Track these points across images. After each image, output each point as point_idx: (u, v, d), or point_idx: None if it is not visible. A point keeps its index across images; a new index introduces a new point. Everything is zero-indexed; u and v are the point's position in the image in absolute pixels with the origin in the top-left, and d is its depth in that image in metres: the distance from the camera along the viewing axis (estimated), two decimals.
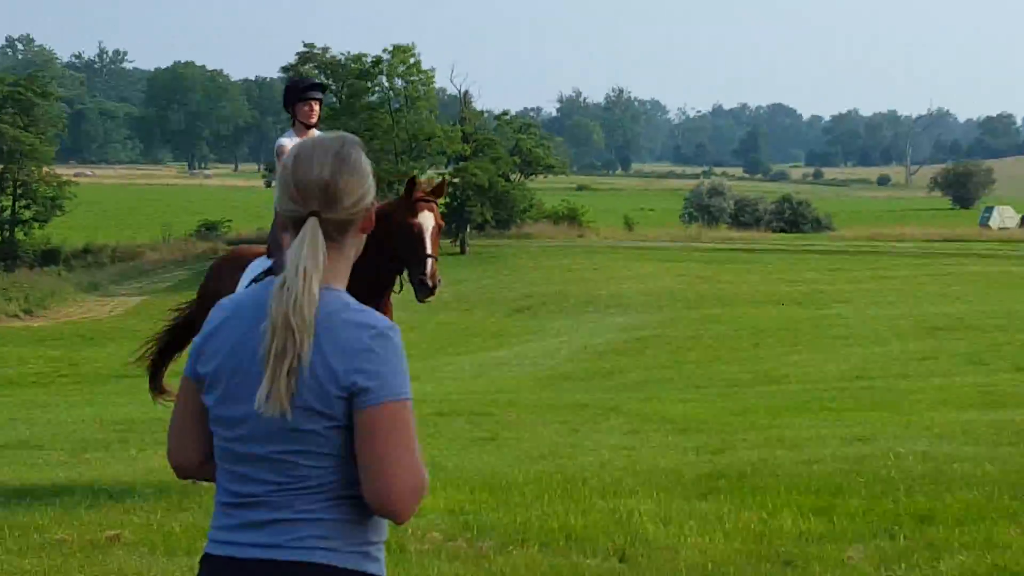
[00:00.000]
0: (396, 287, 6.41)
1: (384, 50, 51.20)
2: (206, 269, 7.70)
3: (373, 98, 51.87)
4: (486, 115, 62.22)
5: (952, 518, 5.57)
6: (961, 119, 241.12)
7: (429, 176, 47.52)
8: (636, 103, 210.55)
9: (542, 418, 11.37)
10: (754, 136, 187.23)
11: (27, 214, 51.69)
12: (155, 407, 8.02)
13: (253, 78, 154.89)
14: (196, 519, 5.75)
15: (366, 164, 2.19)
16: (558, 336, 28.05)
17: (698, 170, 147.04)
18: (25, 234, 51.17)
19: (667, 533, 5.43)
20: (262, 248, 6.97)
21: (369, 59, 50.96)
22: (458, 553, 5.18)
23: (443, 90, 69.33)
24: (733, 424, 10.62)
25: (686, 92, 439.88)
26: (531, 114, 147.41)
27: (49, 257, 48.85)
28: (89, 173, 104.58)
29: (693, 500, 6.20)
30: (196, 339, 2.19)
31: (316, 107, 6.93)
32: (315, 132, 6.99)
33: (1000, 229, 58.67)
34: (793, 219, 61.14)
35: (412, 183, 6.35)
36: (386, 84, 51.70)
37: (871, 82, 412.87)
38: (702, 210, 62.22)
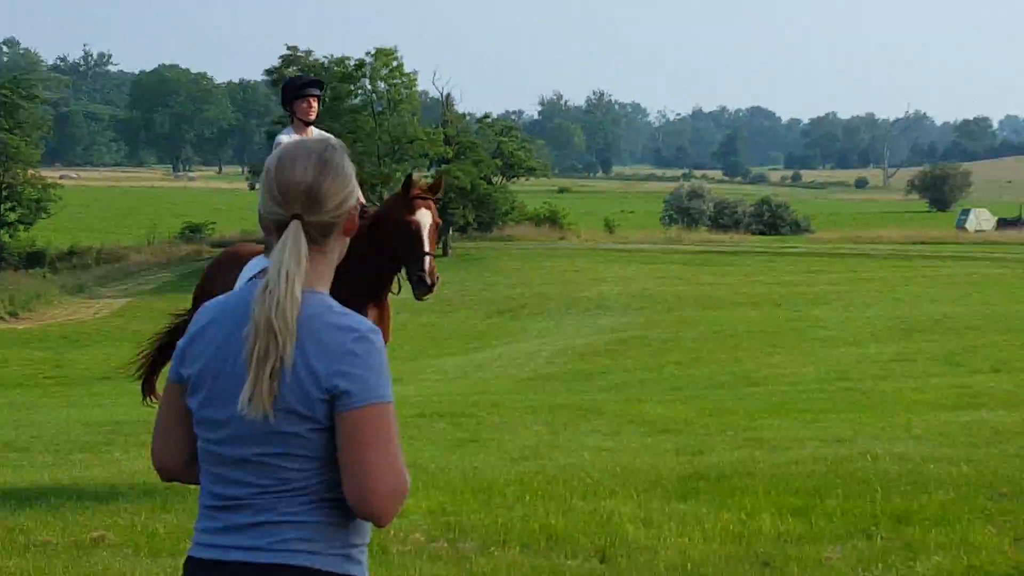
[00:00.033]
0: (395, 287, 6.41)
1: (367, 53, 51.28)
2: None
3: (356, 101, 51.84)
4: (468, 118, 62.28)
5: (929, 519, 5.61)
6: (938, 122, 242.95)
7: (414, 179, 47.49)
8: (617, 106, 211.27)
9: (523, 420, 11.39)
10: (733, 139, 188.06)
11: (12, 216, 51.51)
12: (140, 409, 8.00)
13: (237, 81, 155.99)
14: (180, 521, 5.75)
15: (349, 167, 2.19)
16: (539, 338, 28.10)
17: (678, 173, 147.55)
18: (10, 236, 50.97)
19: (647, 534, 5.46)
20: (260, 247, 6.92)
21: (352, 62, 50.92)
22: (440, 554, 5.19)
23: (425, 93, 69.64)
24: (712, 425, 10.68)
25: (666, 95, 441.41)
26: (513, 117, 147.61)
27: (34, 259, 48.73)
28: (74, 176, 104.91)
29: (673, 501, 6.23)
30: (180, 342, 2.20)
31: (314, 104, 6.92)
32: (313, 129, 6.99)
33: (976, 231, 59.13)
34: (772, 221, 61.45)
35: (409, 181, 6.35)
36: (369, 87, 51.69)
37: (849, 85, 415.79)
38: (682, 212, 62.44)
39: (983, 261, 41.02)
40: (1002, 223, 61.63)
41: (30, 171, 52.52)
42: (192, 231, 53.86)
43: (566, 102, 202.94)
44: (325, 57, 52.80)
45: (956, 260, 41.70)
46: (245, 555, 2.04)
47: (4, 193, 51.04)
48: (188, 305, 7.38)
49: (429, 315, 29.31)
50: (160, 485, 6.38)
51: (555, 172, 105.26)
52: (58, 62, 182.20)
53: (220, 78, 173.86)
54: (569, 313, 32.99)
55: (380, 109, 51.55)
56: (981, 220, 62.37)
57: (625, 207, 79.92)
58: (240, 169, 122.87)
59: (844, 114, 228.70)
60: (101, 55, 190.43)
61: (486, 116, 60.39)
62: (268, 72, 53.76)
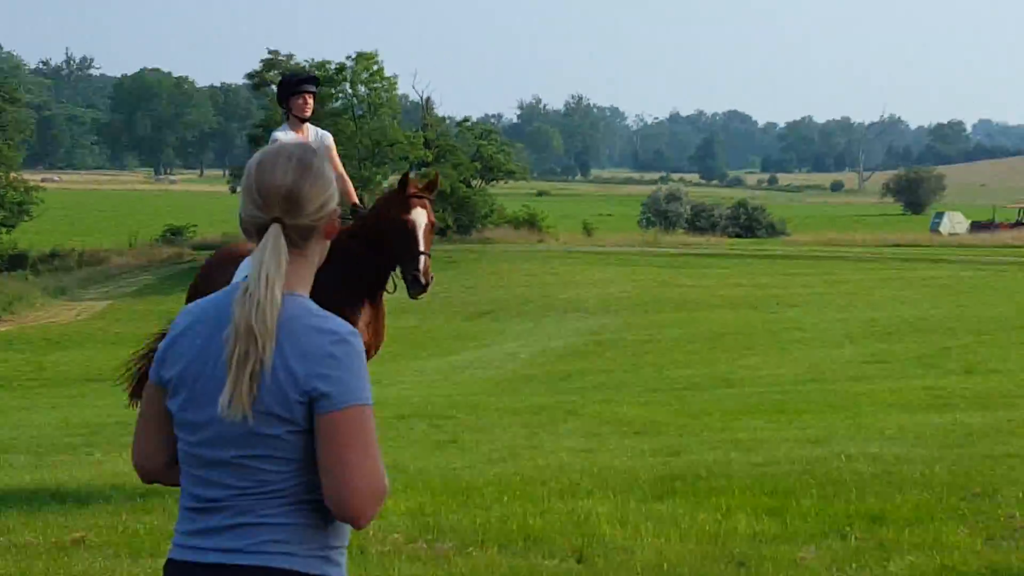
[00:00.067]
0: (390, 286, 6.41)
1: (348, 57, 51.34)
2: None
3: (337, 104, 51.82)
4: (448, 121, 62.49)
5: (902, 519, 5.65)
6: (913, 126, 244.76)
7: (391, 182, 47.55)
8: (595, 110, 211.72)
9: (502, 421, 11.42)
10: (710, 143, 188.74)
11: None
12: (121, 410, 7.98)
13: (218, 85, 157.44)
14: (160, 522, 5.75)
15: (329, 171, 2.21)
16: (518, 340, 28.11)
17: (656, 176, 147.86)
18: None
19: (624, 534, 5.49)
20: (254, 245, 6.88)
21: (333, 66, 50.90)
22: (418, 554, 5.21)
23: (405, 97, 69.84)
24: (689, 426, 10.74)
25: (644, 99, 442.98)
26: (492, 120, 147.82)
27: (16, 262, 48.41)
28: (56, 179, 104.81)
29: (649, 502, 6.26)
30: (161, 344, 2.21)
31: (310, 100, 6.92)
32: (309, 126, 6.99)
33: (950, 235, 59.55)
34: (749, 224, 61.70)
35: (405, 179, 6.35)
36: (350, 91, 51.72)
37: (825, 90, 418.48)
38: (659, 215, 62.60)
39: (957, 264, 41.36)
40: (975, 226, 62.11)
41: (12, 174, 52.26)
42: (173, 234, 53.84)
43: (545, 106, 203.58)
44: (306, 61, 52.73)
45: (930, 263, 42.02)
46: (224, 557, 2.06)
47: None
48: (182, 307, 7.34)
49: (408, 317, 29.21)
50: (141, 486, 6.36)
51: (534, 175, 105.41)
52: (40, 65, 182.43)
53: (201, 82, 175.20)
54: (547, 315, 33.02)
55: (361, 113, 51.56)
56: (955, 223, 62.84)
57: (603, 210, 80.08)
58: (221, 172, 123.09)
59: (820, 118, 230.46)
60: (83, 59, 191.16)
61: (466, 120, 60.53)
62: (249, 76, 53.65)
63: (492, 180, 55.56)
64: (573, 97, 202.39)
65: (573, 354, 23.71)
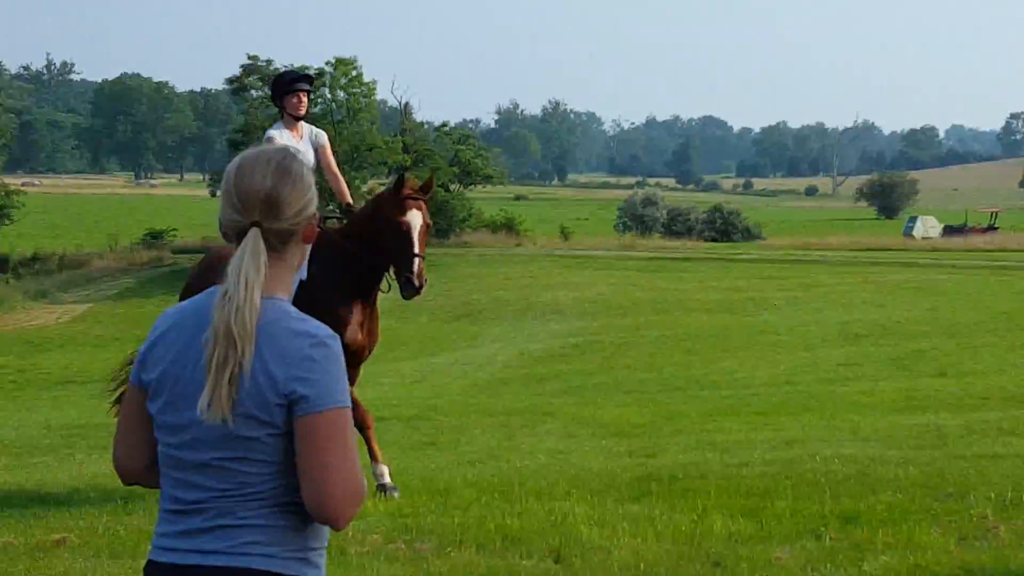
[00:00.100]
0: (384, 285, 6.41)
1: (327, 63, 51.33)
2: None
3: (316, 109, 51.77)
4: (426, 126, 62.50)
5: (876, 519, 5.68)
6: (886, 131, 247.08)
7: (371, 186, 47.54)
8: (572, 115, 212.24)
9: (480, 423, 11.44)
10: (686, 148, 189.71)
11: None
12: (101, 413, 7.96)
13: (198, 90, 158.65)
14: (141, 523, 5.74)
15: (308, 175, 2.21)
16: (496, 343, 28.11)
17: (632, 180, 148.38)
18: None
19: (601, 534, 5.51)
20: None
21: (312, 72, 50.89)
22: (397, 555, 5.22)
23: (384, 102, 69.92)
24: (665, 428, 10.79)
25: (621, 105, 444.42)
26: (470, 125, 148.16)
27: None
28: (37, 183, 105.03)
29: (626, 502, 6.28)
30: (141, 347, 2.22)
31: (304, 99, 6.89)
32: (303, 124, 6.97)
33: (923, 238, 60.05)
34: (724, 228, 61.96)
35: (401, 180, 6.34)
36: (329, 96, 51.69)
37: (799, 95, 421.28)
38: (636, 220, 62.77)
39: (930, 268, 41.68)
40: (948, 230, 62.68)
41: None
42: (154, 237, 53.79)
43: (523, 111, 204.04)
44: (285, 66, 52.61)
45: (903, 267, 42.33)
46: (203, 559, 2.06)
47: None
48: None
49: (387, 319, 29.12)
50: (122, 488, 6.35)
51: (511, 180, 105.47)
52: (21, 71, 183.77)
53: (181, 87, 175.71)
54: (525, 318, 33.05)
55: (340, 118, 51.54)
56: (928, 227, 63.36)
57: (580, 214, 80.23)
58: (201, 176, 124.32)
59: (794, 123, 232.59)
60: (64, 64, 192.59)
61: (444, 125, 60.56)
62: (229, 81, 53.59)
63: (470, 185, 55.60)
64: (550, 102, 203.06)
65: (551, 357, 23.74)
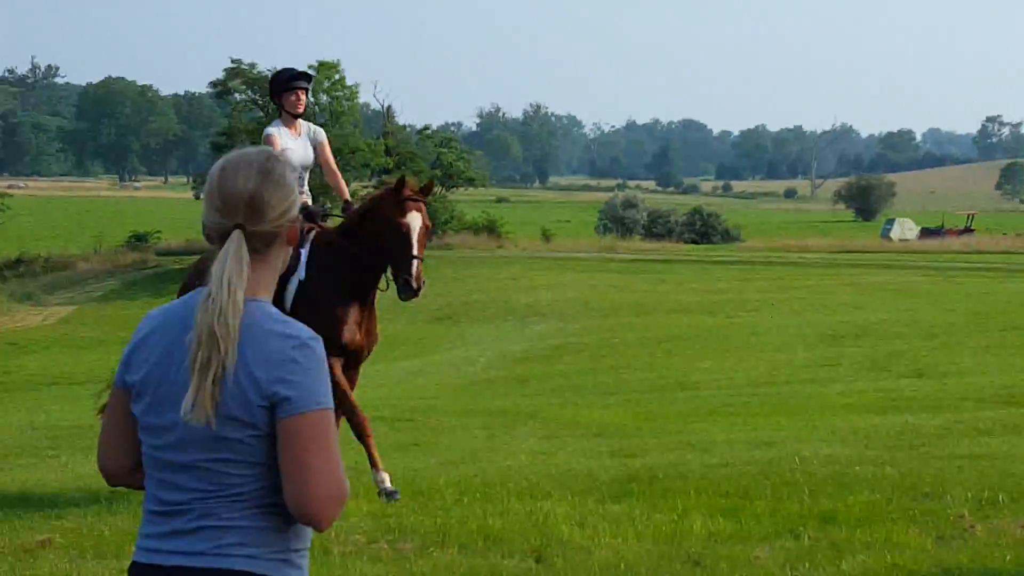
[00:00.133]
0: (382, 284, 6.40)
1: (309, 66, 51.17)
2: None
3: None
4: (408, 129, 62.58)
5: (854, 519, 5.72)
6: (864, 135, 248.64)
7: (354, 189, 47.44)
8: (553, 118, 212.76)
9: (462, 424, 11.45)
10: (666, 150, 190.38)
11: None
12: (86, 414, 7.94)
13: (182, 93, 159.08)
14: (125, 524, 5.73)
15: (291, 178, 2.22)
16: (478, 344, 28.11)
17: (612, 183, 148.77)
18: None
19: (582, 534, 5.53)
20: None
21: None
22: (380, 555, 5.23)
23: (367, 105, 70.28)
24: (646, 429, 10.83)
25: (601, 108, 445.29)
26: (452, 128, 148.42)
27: None
28: (22, 185, 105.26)
29: (607, 502, 6.30)
30: (125, 349, 2.22)
31: (303, 97, 6.87)
32: (302, 122, 6.95)
33: (901, 241, 60.48)
34: (704, 230, 62.17)
35: (402, 182, 6.32)
36: (312, 99, 51.67)
37: (778, 99, 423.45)
38: (616, 222, 62.90)
39: (907, 270, 41.97)
40: (925, 233, 63.13)
41: None
42: (138, 240, 53.83)
43: (504, 114, 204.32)
44: (269, 70, 52.56)
45: (881, 268, 42.59)
46: (186, 560, 2.07)
47: None
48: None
49: None
50: (106, 489, 6.33)
51: (493, 182, 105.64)
52: (6, 74, 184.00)
53: (165, 90, 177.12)
54: (507, 320, 33.08)
55: (323, 121, 51.50)
56: (905, 230, 63.80)
57: (561, 216, 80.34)
58: (185, 179, 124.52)
59: (773, 126, 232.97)
60: (49, 67, 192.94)
61: (426, 128, 60.68)
62: (213, 84, 53.57)
63: (452, 187, 55.66)
64: (532, 106, 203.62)
65: (532, 358, 23.77)
